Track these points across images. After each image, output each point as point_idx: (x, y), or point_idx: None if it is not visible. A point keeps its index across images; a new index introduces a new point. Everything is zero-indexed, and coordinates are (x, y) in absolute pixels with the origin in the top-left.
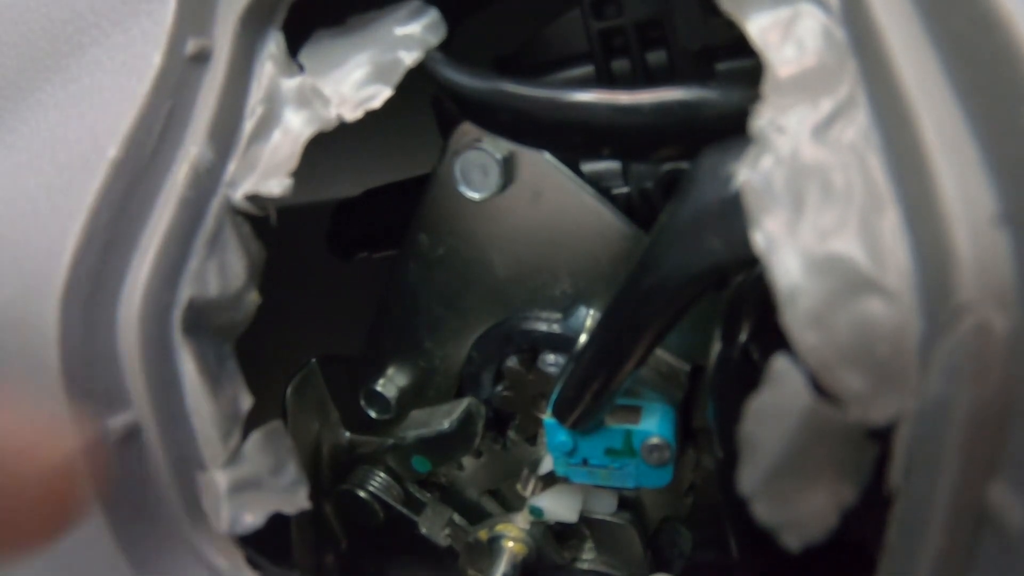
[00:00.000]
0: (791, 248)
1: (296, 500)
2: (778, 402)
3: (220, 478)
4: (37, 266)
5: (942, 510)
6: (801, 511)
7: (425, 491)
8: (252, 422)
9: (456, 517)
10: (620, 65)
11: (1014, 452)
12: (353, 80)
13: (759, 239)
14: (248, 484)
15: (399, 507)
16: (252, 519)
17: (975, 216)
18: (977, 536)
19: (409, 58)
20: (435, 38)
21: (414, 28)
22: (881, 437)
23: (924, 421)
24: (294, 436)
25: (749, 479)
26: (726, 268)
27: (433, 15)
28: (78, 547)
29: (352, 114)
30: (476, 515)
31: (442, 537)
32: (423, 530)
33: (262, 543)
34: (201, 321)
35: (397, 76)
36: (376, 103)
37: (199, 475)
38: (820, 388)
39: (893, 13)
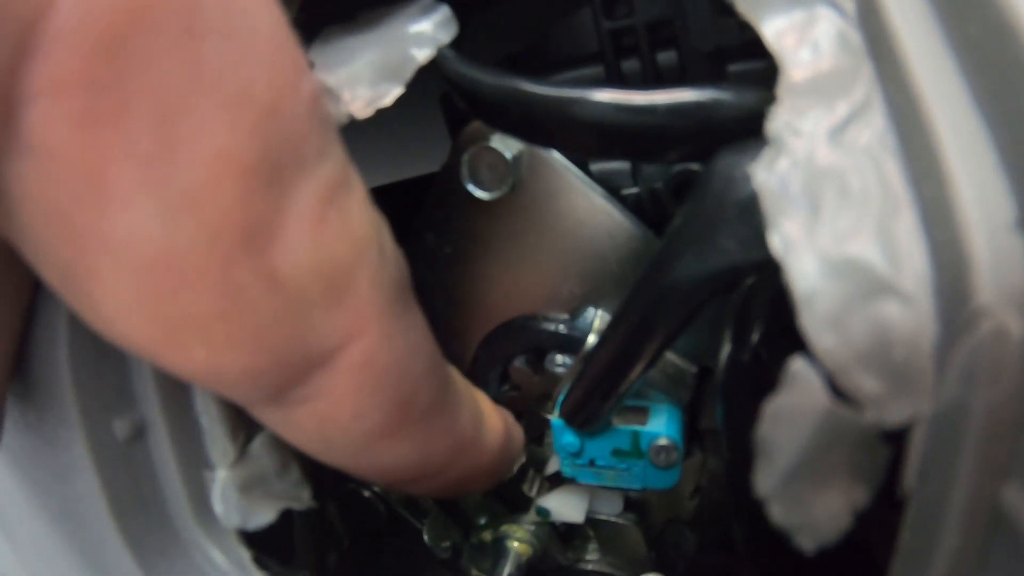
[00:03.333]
0: (809, 251)
1: (302, 498)
2: (795, 404)
3: (231, 476)
4: None
5: (956, 512)
6: (816, 513)
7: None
8: (253, 421)
9: (456, 535)
10: (630, 65)
11: None
12: (364, 77)
13: (776, 241)
14: (256, 482)
15: (400, 509)
16: (263, 516)
17: (992, 220)
18: (990, 537)
19: (421, 55)
20: (446, 36)
21: (425, 25)
22: (895, 440)
23: (939, 424)
24: None
25: (765, 481)
26: (741, 270)
27: (444, 12)
28: (86, 545)
29: (363, 112)
30: (479, 513)
31: (442, 548)
32: (425, 538)
33: (265, 542)
34: None
35: (408, 73)
36: (387, 100)
37: (207, 474)
38: (837, 390)
39: (909, 17)
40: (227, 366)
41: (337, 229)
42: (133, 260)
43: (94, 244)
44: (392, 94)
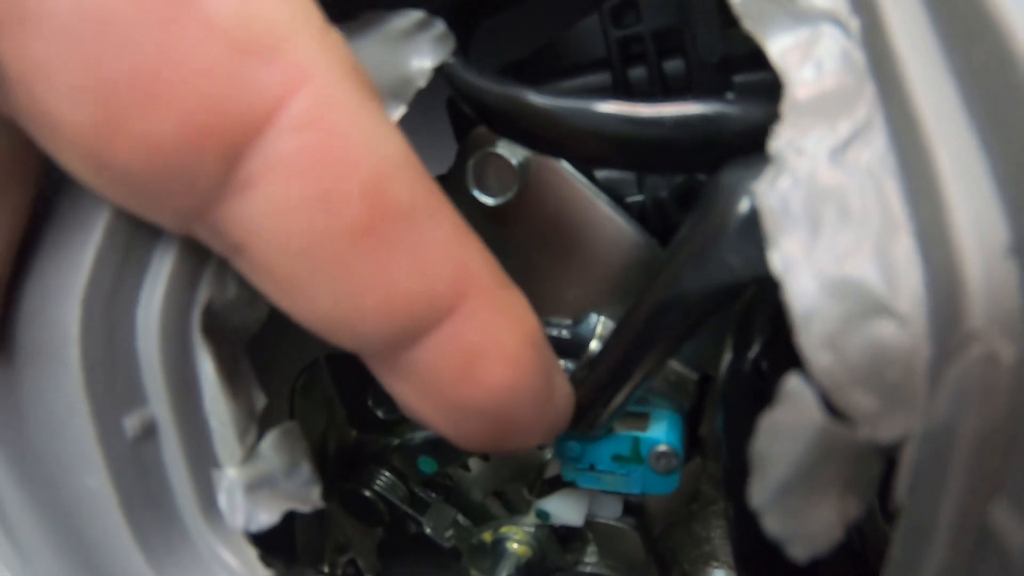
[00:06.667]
0: (807, 270)
1: (310, 499)
2: (791, 420)
3: (237, 476)
4: (59, 265)
5: (945, 527)
6: (810, 525)
7: (430, 491)
8: (262, 421)
9: (460, 518)
10: (637, 73)
11: (1016, 474)
12: None
13: (776, 260)
14: (264, 482)
15: (404, 507)
16: (267, 517)
17: (987, 246)
18: (978, 553)
19: (421, 78)
20: (445, 52)
21: (424, 43)
22: (887, 456)
23: (930, 441)
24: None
25: (760, 494)
26: (744, 285)
27: (441, 27)
28: (94, 542)
29: None
30: (480, 516)
31: (446, 538)
32: (427, 530)
33: (269, 543)
34: (219, 321)
35: (409, 95)
36: (392, 121)
37: (215, 473)
38: (831, 407)
39: (913, 39)
40: (166, 133)
41: None
42: (68, 28)
43: (31, 27)
44: (395, 115)
